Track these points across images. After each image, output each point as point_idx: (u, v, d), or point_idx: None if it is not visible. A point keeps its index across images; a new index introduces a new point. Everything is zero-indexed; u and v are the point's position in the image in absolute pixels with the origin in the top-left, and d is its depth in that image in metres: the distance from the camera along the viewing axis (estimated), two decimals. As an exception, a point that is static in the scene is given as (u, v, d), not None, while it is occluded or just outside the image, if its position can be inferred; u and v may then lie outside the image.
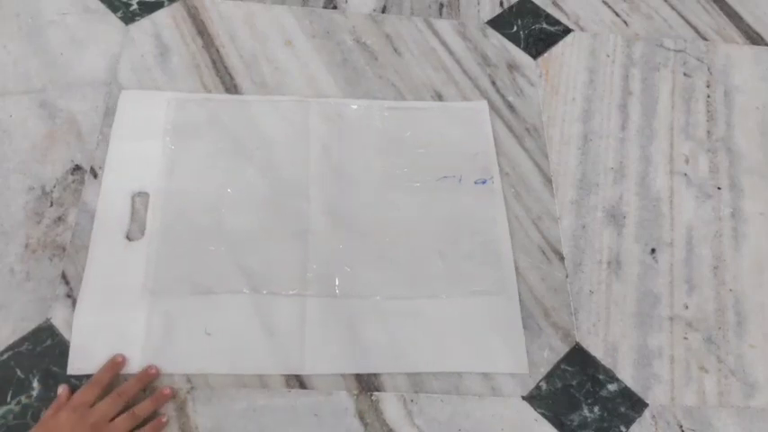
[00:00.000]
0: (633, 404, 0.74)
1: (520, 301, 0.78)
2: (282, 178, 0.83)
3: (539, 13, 1.05)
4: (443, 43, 0.99)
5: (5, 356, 0.69)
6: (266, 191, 0.82)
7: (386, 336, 0.74)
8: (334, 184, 0.83)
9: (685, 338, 0.78)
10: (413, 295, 0.77)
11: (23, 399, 0.67)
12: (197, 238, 0.78)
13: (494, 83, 0.95)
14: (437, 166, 0.86)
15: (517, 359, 0.74)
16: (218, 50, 0.93)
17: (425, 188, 0.84)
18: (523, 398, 0.73)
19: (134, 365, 0.70)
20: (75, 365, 0.69)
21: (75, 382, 0.68)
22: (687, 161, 0.91)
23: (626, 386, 0.75)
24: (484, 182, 0.85)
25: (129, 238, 0.77)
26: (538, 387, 0.73)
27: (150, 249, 0.76)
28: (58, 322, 0.71)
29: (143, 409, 0.65)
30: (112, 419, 0.64)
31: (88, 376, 0.68)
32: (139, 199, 0.80)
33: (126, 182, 0.81)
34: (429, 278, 0.78)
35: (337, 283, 0.77)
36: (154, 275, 0.75)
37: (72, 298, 0.73)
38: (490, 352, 0.74)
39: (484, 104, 0.92)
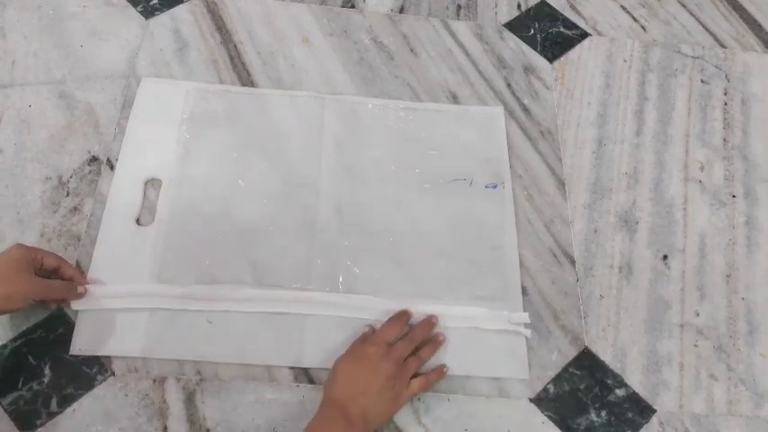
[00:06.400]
0: (641, 410, 0.73)
1: (529, 303, 0.78)
2: (294, 172, 0.84)
3: (556, 17, 1.04)
4: (460, 44, 0.99)
5: (18, 343, 0.70)
6: (277, 184, 0.82)
7: None
8: (344, 181, 0.84)
9: (695, 346, 0.78)
10: (416, 295, 0.77)
11: (35, 385, 0.68)
12: (206, 227, 0.78)
13: (509, 85, 0.95)
14: (449, 169, 0.86)
15: (518, 364, 0.74)
16: (236, 46, 0.94)
17: (435, 189, 0.84)
18: (530, 400, 0.73)
19: (136, 348, 0.70)
20: (78, 346, 0.70)
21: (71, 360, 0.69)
22: (702, 168, 0.91)
23: (634, 392, 0.74)
24: (494, 186, 0.85)
25: (139, 222, 0.78)
26: (545, 390, 0.73)
27: (159, 235, 0.77)
28: (71, 311, 0.72)
29: (426, 352, 0.72)
30: (405, 359, 0.70)
31: (90, 357, 0.69)
32: (152, 185, 0.81)
33: (140, 167, 0.82)
34: (433, 280, 0.78)
35: (341, 279, 0.77)
36: (161, 261, 0.76)
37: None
38: (491, 356, 0.74)
39: (500, 110, 0.92)
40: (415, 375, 0.70)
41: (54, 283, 0.69)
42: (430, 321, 0.74)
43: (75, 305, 0.71)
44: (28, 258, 0.66)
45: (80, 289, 0.71)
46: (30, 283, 0.65)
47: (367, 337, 0.71)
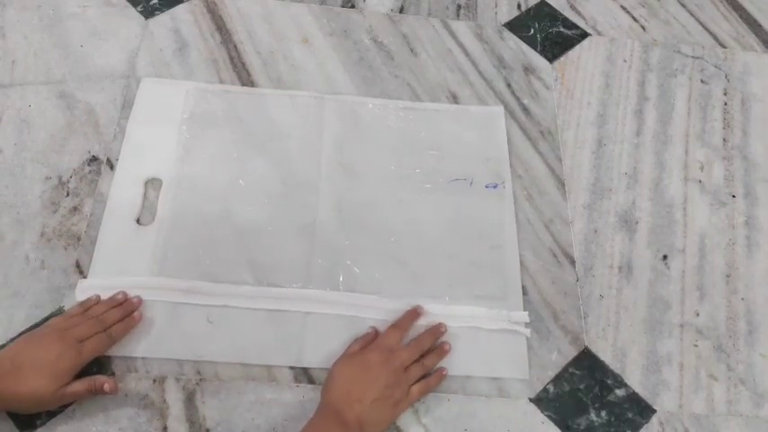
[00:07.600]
0: (641, 410, 0.73)
1: (529, 303, 0.78)
2: (294, 172, 0.84)
3: (556, 17, 1.04)
4: (460, 44, 0.99)
5: (18, 343, 0.70)
6: (277, 184, 0.82)
7: None
8: (344, 181, 0.84)
9: (695, 346, 0.78)
10: (416, 295, 0.77)
11: (35, 385, 0.68)
12: (206, 227, 0.79)
13: (509, 85, 0.95)
14: (449, 169, 0.86)
15: (518, 364, 0.74)
16: (235, 46, 0.94)
17: (436, 189, 0.84)
18: (530, 400, 0.73)
19: (136, 348, 0.70)
20: None
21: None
22: (702, 168, 0.91)
23: (634, 392, 0.74)
24: (495, 186, 0.85)
25: (139, 222, 0.78)
26: (545, 390, 0.73)
27: (159, 235, 0.77)
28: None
29: (430, 361, 0.72)
30: (407, 367, 0.70)
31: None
32: (152, 185, 0.81)
33: (140, 167, 0.82)
34: (433, 279, 0.78)
35: (341, 279, 0.77)
36: (161, 261, 0.76)
37: (85, 287, 0.73)
38: (491, 356, 0.74)
39: (500, 109, 0.92)
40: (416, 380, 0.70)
41: (77, 386, 0.64)
42: (438, 329, 0.74)
43: (79, 295, 0.72)
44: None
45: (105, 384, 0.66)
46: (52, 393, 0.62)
47: (368, 341, 0.71)
